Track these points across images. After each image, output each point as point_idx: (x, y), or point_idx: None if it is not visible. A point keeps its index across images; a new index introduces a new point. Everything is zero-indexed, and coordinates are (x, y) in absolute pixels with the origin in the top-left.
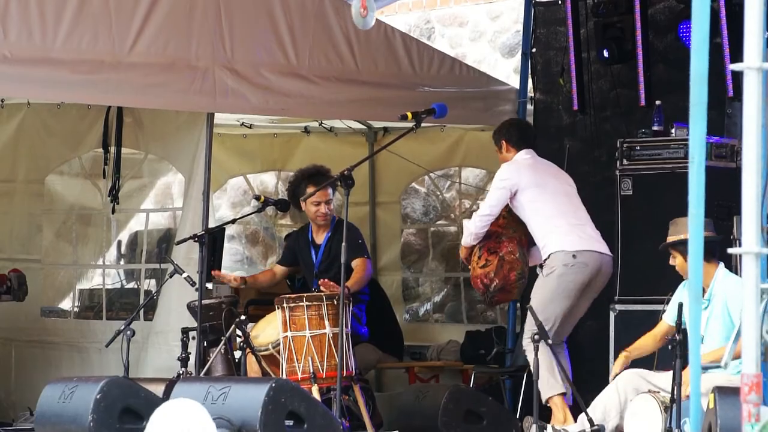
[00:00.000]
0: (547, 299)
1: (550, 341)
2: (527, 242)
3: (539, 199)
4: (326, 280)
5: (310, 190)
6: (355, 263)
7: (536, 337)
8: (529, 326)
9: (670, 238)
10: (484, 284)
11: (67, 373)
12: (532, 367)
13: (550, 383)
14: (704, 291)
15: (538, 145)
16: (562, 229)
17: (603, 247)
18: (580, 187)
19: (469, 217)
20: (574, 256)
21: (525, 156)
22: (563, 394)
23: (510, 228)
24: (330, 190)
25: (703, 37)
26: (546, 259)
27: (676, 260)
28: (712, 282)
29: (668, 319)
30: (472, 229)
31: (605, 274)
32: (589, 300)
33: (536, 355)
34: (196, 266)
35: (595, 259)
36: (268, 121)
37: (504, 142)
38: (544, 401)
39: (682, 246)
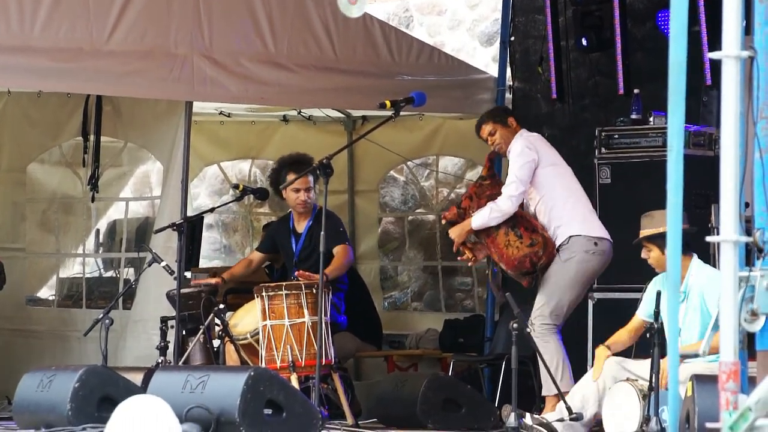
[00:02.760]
0: (567, 285)
1: (528, 330)
2: None
3: (556, 179)
4: (302, 270)
5: (290, 177)
6: (336, 250)
7: (515, 325)
8: (537, 305)
9: (644, 232)
10: (532, 263)
11: (48, 362)
12: (539, 355)
13: (548, 382)
14: (680, 282)
15: None
16: (582, 212)
17: (608, 235)
18: None
19: (447, 208)
20: (595, 243)
21: (529, 134)
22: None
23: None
24: (310, 178)
25: (682, 25)
26: (564, 243)
27: (651, 253)
28: (687, 274)
29: (642, 314)
30: (507, 208)
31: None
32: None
33: (535, 344)
34: (175, 255)
35: (609, 249)
36: (246, 110)
37: (512, 118)
38: (543, 394)
39: (659, 239)
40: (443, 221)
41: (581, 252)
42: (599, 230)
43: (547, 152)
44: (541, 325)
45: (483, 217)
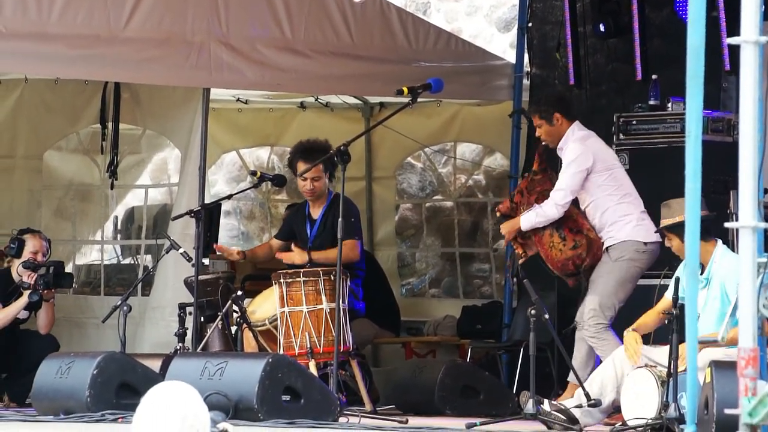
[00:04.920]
0: (618, 284)
1: (546, 316)
2: None
3: (610, 182)
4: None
5: (300, 166)
6: (344, 244)
7: (533, 312)
8: (589, 306)
9: (664, 221)
10: (576, 265)
11: (65, 349)
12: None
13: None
14: (703, 269)
15: None
16: (634, 217)
17: (658, 236)
18: None
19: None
20: (645, 244)
21: (585, 133)
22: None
23: (576, 207)
24: (321, 166)
25: (700, 10)
26: (614, 244)
27: (672, 242)
28: (711, 260)
29: (671, 296)
30: (553, 215)
31: None
32: None
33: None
34: (193, 242)
35: (658, 248)
36: (263, 96)
37: (558, 114)
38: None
39: (677, 229)
40: (497, 214)
41: (632, 251)
42: (648, 234)
43: (602, 155)
44: (596, 324)
45: (530, 220)
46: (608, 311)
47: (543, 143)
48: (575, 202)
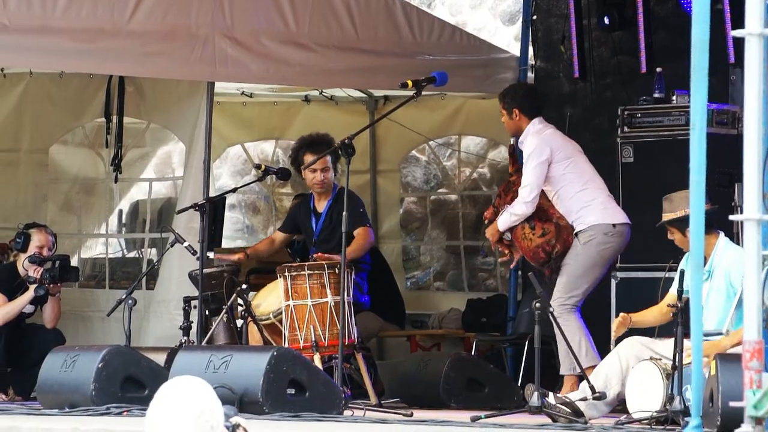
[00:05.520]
0: (587, 266)
1: (552, 309)
2: None
3: (571, 171)
4: (321, 253)
5: (307, 158)
6: (357, 232)
7: (537, 305)
8: (557, 287)
9: (666, 215)
10: (546, 252)
11: (71, 343)
12: (562, 336)
13: (567, 361)
14: (706, 261)
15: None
16: (600, 201)
17: (627, 218)
18: None
19: (473, 188)
20: (613, 225)
21: (542, 126)
22: (579, 376)
23: (545, 198)
24: (328, 158)
25: (704, 3)
26: (583, 230)
27: (674, 236)
28: (713, 253)
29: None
30: (523, 212)
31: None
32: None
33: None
34: (197, 235)
35: (628, 231)
36: (268, 90)
37: (516, 110)
38: (561, 373)
39: (678, 223)
40: (485, 221)
41: (600, 234)
42: (618, 216)
43: (559, 145)
44: (560, 306)
45: (505, 221)
46: (573, 294)
47: (512, 143)
48: (545, 194)
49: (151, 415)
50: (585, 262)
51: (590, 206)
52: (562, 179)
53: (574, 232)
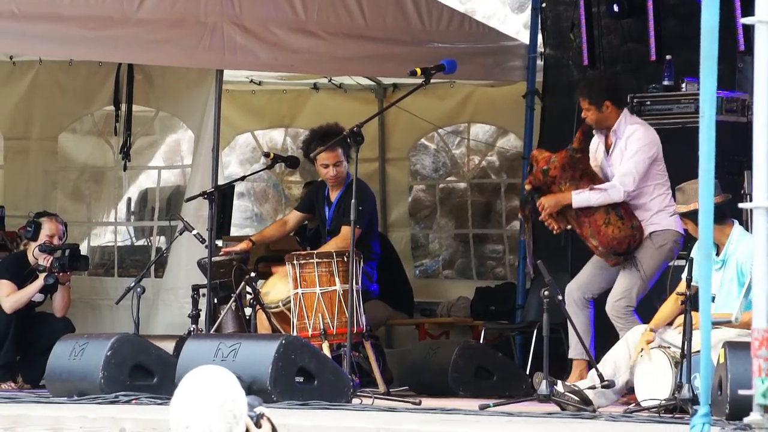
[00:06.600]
0: (655, 269)
1: (560, 297)
2: None
3: (661, 171)
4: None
5: (321, 155)
6: (344, 230)
7: (546, 293)
8: (624, 287)
9: (679, 208)
10: (629, 245)
11: (80, 331)
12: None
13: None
14: (719, 250)
15: (547, 101)
16: (673, 209)
17: None
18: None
19: (482, 176)
20: (682, 235)
21: (635, 117)
22: (587, 362)
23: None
24: (340, 151)
25: None
26: (658, 231)
27: (688, 225)
28: (728, 242)
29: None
30: (619, 199)
31: None
32: None
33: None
34: (206, 223)
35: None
36: (277, 78)
37: (609, 103)
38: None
39: (692, 214)
40: (527, 186)
41: (671, 241)
42: (681, 225)
43: (661, 146)
44: (626, 307)
45: (588, 200)
46: (638, 295)
47: (587, 123)
48: None
49: (174, 405)
50: (656, 265)
51: (668, 211)
52: (652, 179)
53: (649, 232)
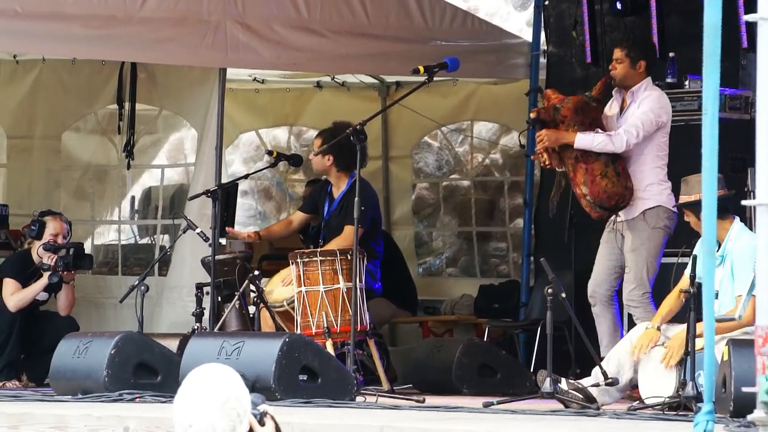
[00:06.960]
0: (656, 251)
1: (563, 294)
2: None
3: (664, 146)
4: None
5: (316, 142)
6: (347, 229)
7: (550, 290)
8: (637, 274)
9: (682, 198)
10: (617, 202)
11: (84, 329)
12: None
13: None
14: (719, 246)
15: None
16: (668, 185)
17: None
18: None
19: (485, 173)
20: (674, 212)
21: (659, 90)
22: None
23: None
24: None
25: None
26: (651, 208)
27: (690, 218)
28: (727, 238)
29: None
30: (619, 149)
31: None
32: None
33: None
34: (209, 222)
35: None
36: (280, 76)
37: (643, 63)
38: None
39: (694, 206)
40: (532, 115)
41: (665, 218)
42: (673, 201)
43: (671, 118)
44: (643, 294)
45: (590, 143)
46: (650, 279)
47: (611, 75)
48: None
49: (177, 403)
50: (657, 246)
51: (662, 186)
52: (654, 148)
53: (641, 210)
